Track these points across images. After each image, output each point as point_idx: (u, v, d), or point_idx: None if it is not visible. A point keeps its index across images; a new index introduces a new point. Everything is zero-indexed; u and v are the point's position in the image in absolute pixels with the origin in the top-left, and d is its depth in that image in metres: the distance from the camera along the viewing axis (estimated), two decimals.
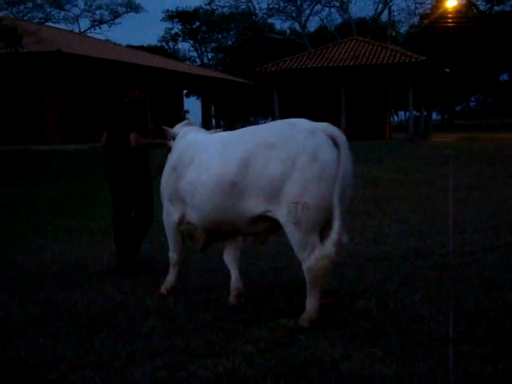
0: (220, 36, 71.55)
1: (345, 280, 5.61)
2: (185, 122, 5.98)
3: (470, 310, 4.65)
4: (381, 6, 55.21)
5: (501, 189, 11.91)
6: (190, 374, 3.68)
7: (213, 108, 52.95)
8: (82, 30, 65.28)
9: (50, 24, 54.77)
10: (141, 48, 57.72)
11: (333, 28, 60.50)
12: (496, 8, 59.35)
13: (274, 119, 40.38)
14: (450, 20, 49.07)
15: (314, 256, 4.36)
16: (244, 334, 4.29)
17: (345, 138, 4.56)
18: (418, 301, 4.94)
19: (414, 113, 36.88)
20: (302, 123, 4.79)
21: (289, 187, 4.39)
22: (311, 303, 4.43)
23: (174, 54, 68.93)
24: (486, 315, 4.52)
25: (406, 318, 4.51)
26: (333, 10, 59.60)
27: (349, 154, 4.49)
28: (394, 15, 52.47)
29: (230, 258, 5.39)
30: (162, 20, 71.60)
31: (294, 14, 59.83)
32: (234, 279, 5.24)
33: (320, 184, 4.35)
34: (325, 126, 4.64)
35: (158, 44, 73.08)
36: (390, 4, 51.54)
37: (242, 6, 62.20)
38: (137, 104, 6.47)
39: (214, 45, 73.58)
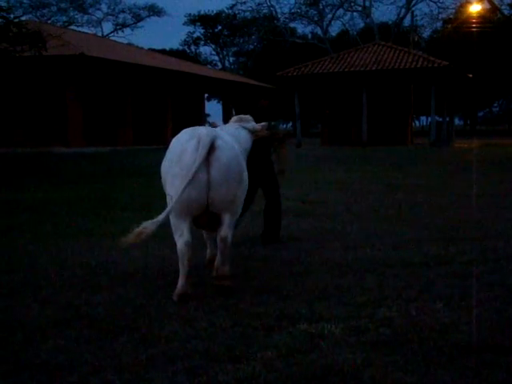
0: (241, 40, 71.76)
1: (365, 287, 5.57)
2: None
3: (492, 319, 4.60)
4: (403, 10, 55.08)
5: None
6: (209, 379, 3.68)
7: (234, 112, 53.02)
8: (105, 34, 65.86)
9: (73, 27, 55.30)
10: (163, 52, 58.11)
11: (355, 33, 60.43)
12: None
13: (294, 123, 40.36)
14: (473, 25, 48.70)
15: (181, 240, 5.33)
16: (264, 340, 4.27)
17: (221, 142, 5.38)
18: (440, 309, 4.90)
19: (436, 118, 36.69)
20: (197, 130, 5.58)
21: (166, 181, 5.54)
22: (179, 279, 5.37)
23: (195, 58, 69.26)
24: (509, 324, 4.47)
25: (427, 326, 4.47)
26: (355, 14, 59.56)
27: (222, 157, 5.31)
28: (416, 20, 52.36)
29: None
30: (184, 24, 72.01)
31: (315, 19, 59.89)
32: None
33: (180, 181, 5.18)
34: (205, 132, 5.38)
35: (180, 48, 73.53)
36: (413, 9, 51.37)
37: (264, 11, 62.36)
38: (265, 109, 8.09)
39: (235, 49, 73.82)
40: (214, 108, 78.99)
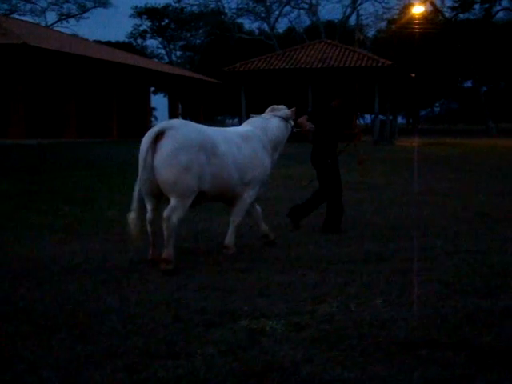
0: (189, 34, 71.30)
1: (307, 283, 5.61)
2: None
3: (430, 315, 4.68)
4: (349, 9, 55.61)
5: (464, 194, 12.08)
6: (149, 376, 3.64)
7: (180, 106, 52.71)
8: (48, 24, 64.42)
9: (15, 16, 53.89)
10: (108, 44, 57.25)
11: (301, 30, 60.74)
12: (461, 16, 60.26)
13: (241, 119, 40.39)
14: (416, 26, 49.61)
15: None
16: (205, 336, 4.26)
17: (159, 133, 6.10)
18: (380, 305, 4.97)
19: (380, 117, 37.20)
20: (169, 122, 6.58)
21: None
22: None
23: (141, 51, 68.47)
24: (445, 320, 4.56)
25: (367, 321, 4.52)
26: (302, 11, 59.81)
27: (167, 144, 6.06)
28: (362, 19, 52.93)
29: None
30: (130, 16, 71.17)
31: (263, 15, 59.94)
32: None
33: (139, 165, 6.15)
34: (161, 124, 6.35)
35: (126, 40, 72.58)
36: (358, 8, 51.97)
37: (212, 5, 62.08)
38: (337, 109, 8.65)
39: (182, 43, 73.34)
40: (160, 102, 78.37)
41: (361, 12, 53.91)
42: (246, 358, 3.87)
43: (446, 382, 3.58)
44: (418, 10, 49.55)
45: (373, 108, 36.14)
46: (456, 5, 57.97)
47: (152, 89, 52.52)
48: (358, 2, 55.92)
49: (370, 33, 63.71)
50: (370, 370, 3.72)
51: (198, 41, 71.51)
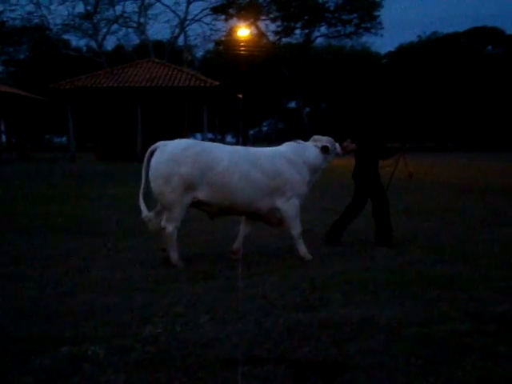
0: (12, 49, 68.20)
1: (133, 305, 5.55)
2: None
3: (253, 331, 4.81)
4: (177, 30, 56.00)
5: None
6: None
7: (3, 124, 50.18)
8: None
9: None
10: None
11: (130, 48, 60.21)
12: (284, 40, 62.86)
13: (68, 138, 39.22)
14: (242, 48, 51.04)
15: None
16: (24, 365, 4.08)
17: (153, 150, 7.37)
18: (205, 323, 5.03)
19: (209, 135, 37.73)
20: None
21: None
22: None
23: None
24: (267, 335, 4.71)
25: (191, 341, 4.56)
26: (130, 30, 59.37)
27: (155, 161, 7.21)
28: (190, 40, 53.56)
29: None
30: None
31: (90, 32, 58.70)
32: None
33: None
34: (160, 142, 7.54)
35: None
36: (187, 29, 52.50)
37: (35, 20, 59.79)
38: (378, 127, 9.03)
39: (4, 57, 70.00)
40: None
41: (189, 33, 54.72)
42: None
43: None
44: (243, 32, 51.07)
45: (202, 127, 36.60)
46: (279, 29, 60.39)
47: None
48: (187, 23, 56.53)
49: (199, 53, 64.61)
50: None
51: (22, 56, 68.65)
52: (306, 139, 8.28)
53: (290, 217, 7.68)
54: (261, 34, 59.86)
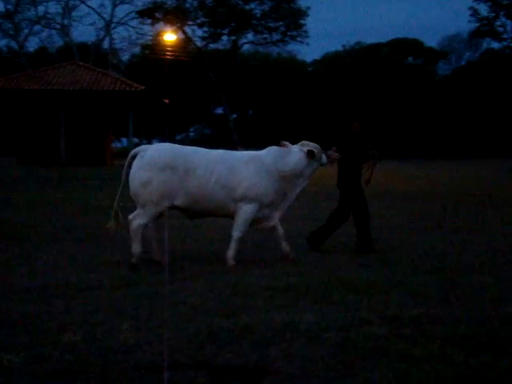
0: None
1: (52, 312, 5.44)
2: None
3: (175, 337, 4.80)
4: (103, 32, 55.19)
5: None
6: None
7: None
8: None
9: None
10: None
11: (54, 50, 58.88)
12: (211, 45, 62.92)
13: None
14: (168, 53, 50.77)
15: None
16: None
17: (135, 154, 7.64)
18: (126, 330, 4.98)
19: (135, 140, 37.37)
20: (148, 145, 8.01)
21: None
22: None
23: None
24: (189, 341, 4.71)
25: (112, 348, 4.52)
26: (54, 32, 58.05)
27: (136, 164, 7.51)
28: (115, 43, 52.89)
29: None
30: None
31: (11, 32, 57.07)
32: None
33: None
34: (139, 147, 7.92)
35: None
36: (112, 32, 51.83)
37: None
38: (358, 133, 8.84)
39: None
40: None
41: (114, 36, 53.91)
42: None
43: None
44: (170, 37, 50.82)
45: (127, 132, 36.21)
46: (206, 35, 60.41)
47: None
48: (112, 26, 55.74)
49: (125, 57, 63.84)
50: None
51: None
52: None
53: (241, 219, 7.72)
54: (188, 39, 59.73)
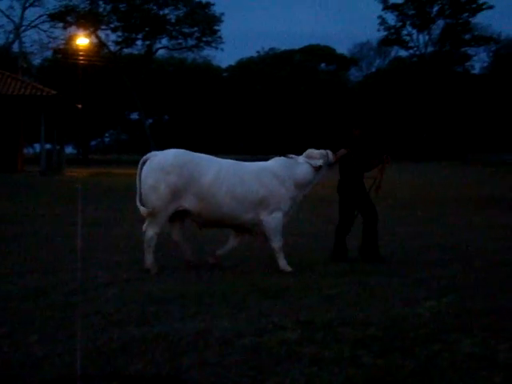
0: None
1: None
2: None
3: (86, 348, 4.69)
4: (12, 35, 53.65)
5: (128, 224, 12.33)
6: None
7: None
8: None
9: None
10: None
11: None
12: (125, 50, 62.29)
13: None
14: (81, 57, 49.86)
15: None
16: None
17: (145, 160, 7.84)
18: (34, 342, 4.84)
19: (48, 146, 36.44)
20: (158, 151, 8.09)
21: None
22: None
23: None
24: (100, 352, 4.62)
25: (19, 361, 4.37)
26: None
27: (145, 169, 7.74)
28: (25, 46, 51.49)
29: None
30: None
31: None
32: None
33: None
34: (149, 154, 8.03)
35: None
36: (22, 35, 50.46)
37: None
38: (357, 138, 8.74)
39: None
40: None
41: (25, 39, 52.53)
42: None
43: None
44: (82, 41, 49.90)
45: (39, 137, 35.26)
46: (120, 39, 59.70)
47: None
48: (22, 29, 54.25)
49: (36, 61, 62.23)
50: None
51: None
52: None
53: (271, 230, 7.82)
54: (101, 44, 58.86)
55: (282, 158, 8.24)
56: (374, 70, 79.85)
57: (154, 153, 8.01)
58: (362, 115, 8.96)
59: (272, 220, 7.84)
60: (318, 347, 4.75)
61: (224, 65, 79.45)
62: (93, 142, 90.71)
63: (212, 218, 7.84)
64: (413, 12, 65.57)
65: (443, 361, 4.53)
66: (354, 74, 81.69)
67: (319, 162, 8.14)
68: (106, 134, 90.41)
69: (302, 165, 8.13)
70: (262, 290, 6.63)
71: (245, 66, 74.03)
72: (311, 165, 8.12)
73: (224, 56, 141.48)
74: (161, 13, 60.16)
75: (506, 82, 63.60)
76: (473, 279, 7.40)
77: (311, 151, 8.29)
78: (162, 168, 7.63)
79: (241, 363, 4.43)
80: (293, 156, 8.27)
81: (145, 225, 7.80)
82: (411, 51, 69.43)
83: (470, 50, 69.83)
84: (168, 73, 68.67)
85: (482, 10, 64.41)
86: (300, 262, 8.34)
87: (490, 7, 64.02)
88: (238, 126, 69.84)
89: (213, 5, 60.24)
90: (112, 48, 60.33)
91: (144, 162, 7.84)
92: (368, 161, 8.78)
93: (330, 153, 8.38)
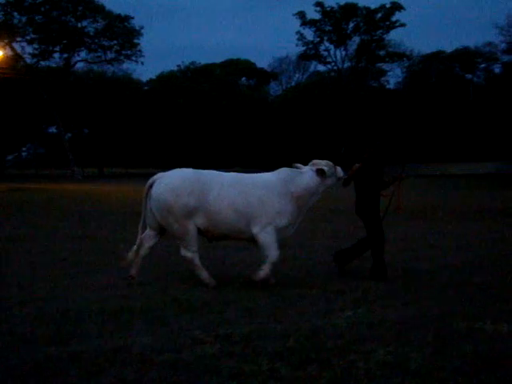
0: None
1: None
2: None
3: None
4: None
5: (44, 239, 12.01)
6: None
7: None
8: None
9: None
10: None
11: None
12: (42, 63, 60.97)
13: None
14: None
15: None
16: None
17: (152, 182, 7.76)
18: None
19: None
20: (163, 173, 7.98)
21: None
22: None
23: None
24: (12, 373, 4.49)
25: None
26: None
27: (154, 193, 7.67)
28: None
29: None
30: None
31: None
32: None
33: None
34: (155, 176, 7.91)
35: None
36: None
37: None
38: (369, 159, 8.45)
39: None
40: None
41: None
42: None
43: None
44: None
45: None
46: (37, 52, 58.37)
47: None
48: None
49: None
50: None
51: None
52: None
53: (264, 244, 7.65)
54: (17, 56, 57.39)
55: (286, 169, 8.08)
56: (293, 84, 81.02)
57: (159, 175, 7.89)
58: (375, 134, 8.90)
59: (263, 235, 7.64)
60: (236, 361, 4.76)
61: (145, 78, 79.01)
62: (9, 157, 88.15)
63: (220, 232, 7.74)
64: (329, 28, 66.90)
65: (358, 370, 4.63)
66: (274, 88, 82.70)
67: (322, 166, 8.06)
68: (24, 149, 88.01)
69: (304, 173, 8.04)
70: (183, 304, 6.61)
71: (166, 80, 73.68)
72: (314, 170, 8.02)
73: (144, 70, 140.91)
74: (79, 25, 59.23)
75: (418, 97, 65.70)
76: (384, 290, 7.57)
77: (317, 161, 8.24)
78: (173, 190, 7.55)
79: (159, 380, 4.40)
80: (298, 165, 8.24)
81: (181, 250, 7.74)
82: (329, 66, 70.81)
83: (385, 66, 71.79)
84: (87, 86, 67.54)
85: (395, 27, 66.26)
86: (222, 275, 8.34)
87: (403, 25, 65.99)
88: (160, 139, 69.31)
89: (132, 18, 59.78)
90: (28, 60, 58.96)
91: (151, 185, 7.77)
92: (382, 179, 8.63)
93: (339, 168, 8.35)
